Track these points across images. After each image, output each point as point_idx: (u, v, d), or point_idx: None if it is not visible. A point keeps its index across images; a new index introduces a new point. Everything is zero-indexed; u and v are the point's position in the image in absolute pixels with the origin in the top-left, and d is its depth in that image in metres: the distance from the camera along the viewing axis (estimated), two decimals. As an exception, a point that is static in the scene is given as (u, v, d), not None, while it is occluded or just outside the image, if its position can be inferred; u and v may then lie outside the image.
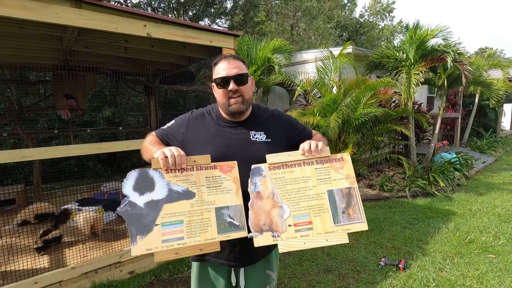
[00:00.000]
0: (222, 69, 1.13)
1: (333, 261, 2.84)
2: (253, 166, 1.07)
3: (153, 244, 0.95)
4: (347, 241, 0.99)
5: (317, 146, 1.08)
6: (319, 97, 5.71)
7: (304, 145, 1.09)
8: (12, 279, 2.15)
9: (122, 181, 1.00)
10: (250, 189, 1.05)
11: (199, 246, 0.99)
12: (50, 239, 2.78)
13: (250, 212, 1.04)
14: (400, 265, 2.68)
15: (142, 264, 2.66)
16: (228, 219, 1.03)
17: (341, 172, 1.04)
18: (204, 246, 0.99)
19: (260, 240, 1.01)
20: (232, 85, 1.11)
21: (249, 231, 1.03)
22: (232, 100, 1.13)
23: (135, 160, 6.31)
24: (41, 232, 2.80)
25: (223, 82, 1.12)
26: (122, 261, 2.56)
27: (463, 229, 3.54)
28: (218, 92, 1.17)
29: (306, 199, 1.03)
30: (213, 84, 1.19)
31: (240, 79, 1.13)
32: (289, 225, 1.01)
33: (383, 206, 4.42)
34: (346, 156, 1.06)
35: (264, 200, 1.04)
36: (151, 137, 1.23)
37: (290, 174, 1.05)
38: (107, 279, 2.49)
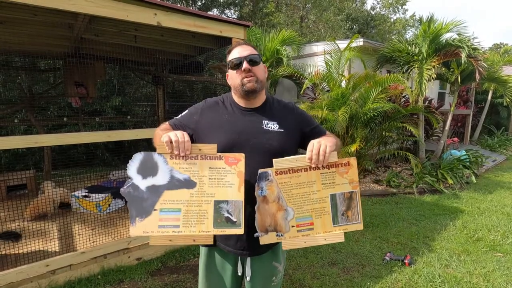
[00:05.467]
0: (236, 52, 1.18)
1: (338, 255, 2.85)
2: (260, 171, 1.06)
3: (149, 228, 0.98)
4: (343, 240, 1.08)
5: (325, 151, 1.03)
6: (328, 90, 5.64)
7: (313, 150, 1.03)
8: (25, 261, 2.22)
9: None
10: (257, 193, 1.06)
11: (193, 237, 1.01)
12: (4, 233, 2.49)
13: (256, 214, 1.07)
14: (406, 261, 2.67)
15: (149, 251, 2.71)
16: (226, 214, 1.02)
17: (346, 177, 1.08)
18: (197, 238, 1.02)
19: (265, 239, 1.08)
20: (245, 65, 1.15)
21: (253, 231, 1.07)
22: (246, 79, 1.15)
23: (143, 150, 6.37)
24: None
25: (237, 63, 1.16)
26: (130, 248, 2.61)
27: (470, 227, 3.50)
28: (232, 75, 1.19)
29: (310, 202, 1.07)
30: (228, 72, 1.21)
31: (253, 60, 1.16)
32: (292, 226, 1.07)
33: (389, 202, 4.39)
34: (353, 160, 1.08)
35: (270, 204, 1.06)
36: (164, 125, 1.24)
37: (296, 179, 1.07)
38: (115, 265, 2.54)
